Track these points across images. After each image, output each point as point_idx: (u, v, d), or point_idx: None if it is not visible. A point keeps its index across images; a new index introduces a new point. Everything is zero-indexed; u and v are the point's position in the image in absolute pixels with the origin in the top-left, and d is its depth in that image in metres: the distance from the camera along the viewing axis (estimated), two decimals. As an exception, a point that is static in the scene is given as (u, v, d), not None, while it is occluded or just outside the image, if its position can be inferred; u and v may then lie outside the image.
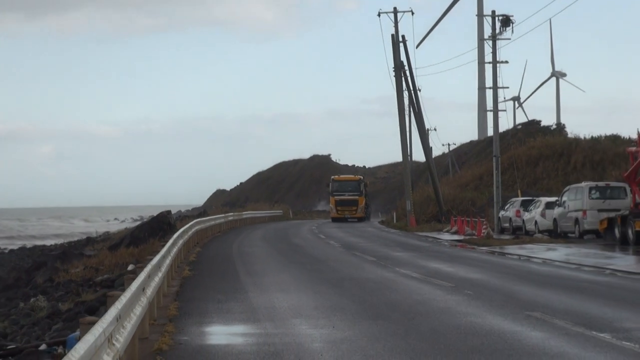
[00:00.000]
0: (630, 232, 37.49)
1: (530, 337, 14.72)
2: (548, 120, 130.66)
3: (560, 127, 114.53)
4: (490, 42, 56.04)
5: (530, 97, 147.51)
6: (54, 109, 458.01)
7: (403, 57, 68.57)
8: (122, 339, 9.67)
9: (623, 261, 30.61)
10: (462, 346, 13.89)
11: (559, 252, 35.00)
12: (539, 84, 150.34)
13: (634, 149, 39.32)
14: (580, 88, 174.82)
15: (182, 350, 13.94)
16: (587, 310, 17.72)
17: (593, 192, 43.28)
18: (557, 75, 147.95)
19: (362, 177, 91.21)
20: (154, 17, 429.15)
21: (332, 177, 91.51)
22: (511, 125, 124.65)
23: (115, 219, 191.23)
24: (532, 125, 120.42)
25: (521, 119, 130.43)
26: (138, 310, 12.20)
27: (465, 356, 13.08)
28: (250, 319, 17.30)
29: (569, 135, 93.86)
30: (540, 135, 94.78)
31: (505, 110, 58.06)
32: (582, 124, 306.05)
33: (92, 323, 8.69)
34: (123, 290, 12.92)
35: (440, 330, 15.47)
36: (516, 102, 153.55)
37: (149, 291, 14.65)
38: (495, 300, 19.78)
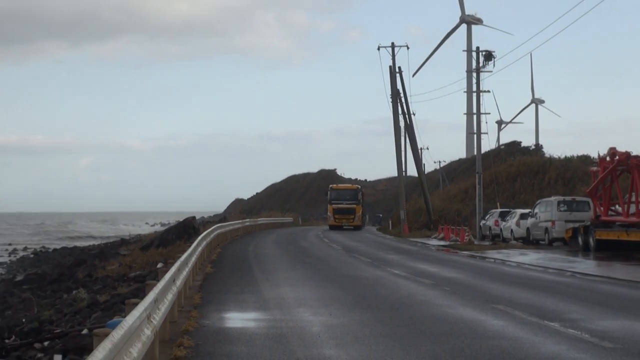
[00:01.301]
0: (591, 240, 38.31)
1: (492, 324, 15.69)
2: (528, 141, 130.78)
3: (538, 148, 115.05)
4: (477, 74, 57.17)
5: (512, 122, 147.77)
6: (94, 125, 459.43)
7: (399, 86, 69.66)
8: (157, 317, 10.68)
9: (583, 265, 31.28)
10: (435, 330, 14.86)
11: (529, 257, 35.61)
12: (520, 109, 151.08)
13: (595, 168, 40.12)
14: (556, 113, 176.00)
15: (205, 331, 14.92)
16: (544, 305, 18.64)
17: (561, 205, 44.07)
18: (537, 101, 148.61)
19: (359, 187, 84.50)
20: (182, 46, 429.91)
21: (331, 185, 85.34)
22: (495, 146, 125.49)
23: (146, 223, 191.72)
24: (514, 146, 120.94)
25: (505, 139, 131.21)
26: (169, 296, 13.21)
27: (436, 338, 14.04)
28: (262, 308, 18.26)
29: (546, 155, 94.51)
30: (520, 154, 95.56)
31: (487, 133, 58.75)
32: (558, 145, 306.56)
33: (136, 304, 9.73)
34: (157, 281, 13.94)
35: (419, 318, 16.44)
36: (500, 125, 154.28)
37: (179, 282, 15.65)
38: (468, 295, 20.73)
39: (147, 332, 9.42)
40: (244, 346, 13.41)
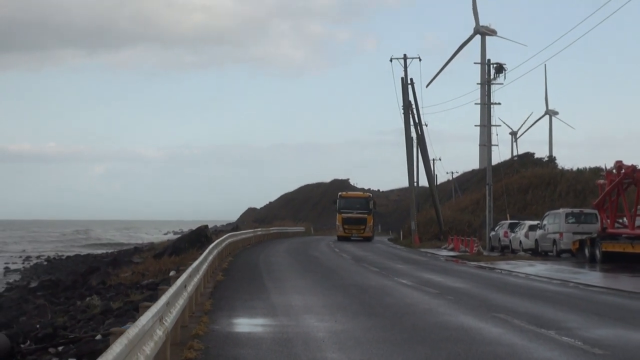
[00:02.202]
0: (597, 252, 38.90)
1: (490, 332, 16.39)
2: (542, 152, 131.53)
3: (551, 160, 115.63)
4: (487, 86, 57.89)
5: (527, 132, 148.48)
6: (109, 133, 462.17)
7: (411, 97, 70.37)
8: (169, 320, 11.44)
9: (587, 276, 31.82)
10: (434, 337, 15.57)
11: (535, 268, 36.23)
12: (534, 121, 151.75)
13: (602, 181, 40.77)
14: (570, 125, 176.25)
15: (214, 335, 15.66)
16: (543, 314, 19.30)
17: (569, 217, 44.69)
18: (550, 113, 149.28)
19: (370, 195, 79.22)
20: (198, 55, 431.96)
21: (340, 193, 79.31)
22: (509, 157, 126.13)
23: (160, 231, 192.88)
24: (527, 157, 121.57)
25: (522, 149, 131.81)
26: (181, 301, 13.98)
27: (435, 344, 14.75)
28: (270, 314, 18.99)
29: (559, 167, 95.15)
30: (533, 166, 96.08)
31: (497, 145, 59.49)
32: (572, 157, 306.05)
33: (149, 307, 10.49)
34: (170, 286, 14.70)
35: (420, 325, 17.14)
36: (514, 136, 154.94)
37: (190, 287, 16.42)
38: (470, 304, 21.42)
39: (159, 332, 10.18)
40: (251, 349, 14.14)
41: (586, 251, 40.05)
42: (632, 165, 37.25)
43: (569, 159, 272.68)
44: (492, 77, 56.67)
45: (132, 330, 8.01)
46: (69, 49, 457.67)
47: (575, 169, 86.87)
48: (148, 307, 10.34)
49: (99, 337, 21.39)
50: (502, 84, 57.10)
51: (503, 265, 38.62)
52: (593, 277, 32.05)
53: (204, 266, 23.29)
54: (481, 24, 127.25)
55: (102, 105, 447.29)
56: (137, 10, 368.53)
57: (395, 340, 15.21)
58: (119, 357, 6.94)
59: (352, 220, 73.33)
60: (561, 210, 46.30)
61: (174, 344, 13.63)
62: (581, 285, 27.93)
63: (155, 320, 9.98)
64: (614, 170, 38.59)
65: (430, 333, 16.02)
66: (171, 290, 12.52)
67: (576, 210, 46.67)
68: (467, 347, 14.35)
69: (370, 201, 75.14)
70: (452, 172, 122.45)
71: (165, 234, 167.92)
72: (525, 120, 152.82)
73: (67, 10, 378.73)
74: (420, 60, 71.64)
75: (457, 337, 15.48)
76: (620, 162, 38.22)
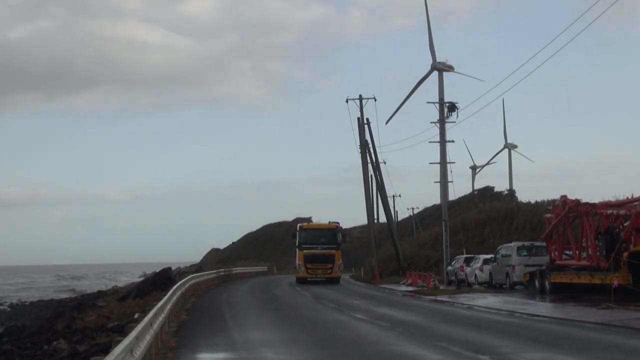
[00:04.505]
0: (546, 283, 40.93)
1: (430, 358, 18.20)
2: (503, 186, 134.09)
3: (511, 193, 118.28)
4: (441, 125, 60.10)
5: (488, 166, 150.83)
6: (70, 177, 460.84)
7: (368, 137, 72.42)
8: (138, 352, 13.19)
9: (534, 307, 33.65)
10: (379, 364, 17.43)
11: (487, 300, 38.01)
12: (493, 155, 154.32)
13: (549, 215, 42.98)
14: (529, 158, 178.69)
15: (179, 369, 17.42)
16: (482, 341, 21.18)
17: (521, 250, 46.71)
18: (509, 146, 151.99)
19: (338, 224, 64.52)
20: (157, 96, 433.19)
21: (300, 225, 66.71)
22: (469, 191, 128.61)
23: (133, 275, 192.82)
24: (487, 191, 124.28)
25: (481, 183, 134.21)
26: (148, 337, 15.70)
27: (379, 370, 16.60)
28: (230, 349, 20.68)
29: (519, 200, 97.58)
30: (491, 199, 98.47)
31: (452, 182, 61.61)
32: (532, 189, 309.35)
33: (121, 341, 12.23)
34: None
35: (368, 355, 18.92)
36: (473, 170, 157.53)
37: (155, 325, 18.14)
38: (417, 335, 23.25)
39: (131, 362, 11.93)
40: (212, 379, 15.88)
41: (536, 283, 42.04)
42: (576, 199, 39.40)
43: (529, 192, 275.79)
44: (445, 115, 58.87)
45: (109, 358, 9.75)
46: (29, 93, 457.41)
47: (533, 202, 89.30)
48: (120, 341, 12.07)
49: None
50: (454, 122, 59.36)
51: (456, 298, 40.39)
52: (539, 307, 33.95)
53: (168, 306, 24.95)
54: (438, 60, 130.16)
55: (64, 148, 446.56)
56: (96, 51, 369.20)
57: (344, 368, 17.00)
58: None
59: (316, 258, 61.84)
60: (513, 243, 48.39)
61: (142, 377, 15.32)
62: (525, 315, 29.85)
63: (127, 352, 11.72)
64: (560, 205, 40.77)
65: (375, 361, 17.82)
66: (139, 327, 14.26)
67: (527, 243, 48.74)
68: (407, 372, 16.17)
69: (338, 233, 63.08)
70: (413, 208, 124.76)
71: (140, 277, 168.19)
72: (490, 160, 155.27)
73: (24, 53, 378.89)
74: (375, 100, 73.48)
75: (400, 364, 17.30)
76: (565, 196, 40.43)
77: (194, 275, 53.58)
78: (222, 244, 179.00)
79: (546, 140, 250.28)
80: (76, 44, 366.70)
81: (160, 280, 53.06)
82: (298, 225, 66.56)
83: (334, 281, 61.57)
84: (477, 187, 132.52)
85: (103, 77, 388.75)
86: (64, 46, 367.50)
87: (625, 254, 34.64)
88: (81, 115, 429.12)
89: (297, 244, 63.27)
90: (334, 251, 62.04)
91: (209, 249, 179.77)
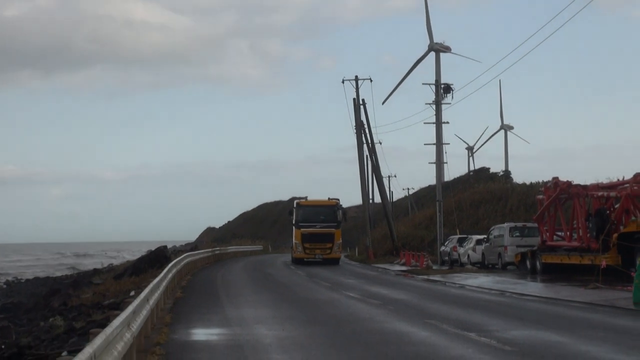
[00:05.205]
0: (538, 263, 41.55)
1: (418, 335, 18.78)
2: (499, 167, 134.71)
3: (506, 174, 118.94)
4: (437, 106, 60.58)
5: (483, 147, 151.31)
6: (66, 156, 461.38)
7: (363, 117, 72.95)
8: (135, 325, 13.71)
9: (524, 287, 34.27)
10: (368, 340, 17.90)
11: (478, 280, 38.64)
12: (489, 136, 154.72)
13: (541, 196, 43.57)
14: (525, 140, 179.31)
15: (174, 343, 17.87)
16: (470, 319, 21.75)
17: (513, 231, 47.32)
18: (506, 128, 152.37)
19: (338, 201, 60.57)
20: (155, 75, 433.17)
21: (297, 201, 62.00)
22: (465, 172, 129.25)
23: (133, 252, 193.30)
24: (482, 172, 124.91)
25: (479, 164, 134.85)
26: (144, 312, 16.23)
27: (369, 346, 17.07)
28: (224, 325, 21.26)
29: (514, 181, 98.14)
30: (486, 181, 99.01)
31: (446, 163, 62.18)
32: (528, 171, 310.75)
33: (119, 314, 12.75)
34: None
35: (359, 331, 19.48)
36: (470, 151, 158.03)
37: (151, 301, 18.69)
38: (407, 313, 23.85)
39: (127, 335, 12.43)
40: (207, 353, 16.43)
41: (527, 263, 42.66)
42: (568, 181, 39.97)
43: (525, 173, 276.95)
44: (440, 97, 59.35)
45: (108, 329, 10.27)
46: (25, 70, 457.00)
47: (528, 183, 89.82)
48: (118, 314, 12.60)
49: (65, 354, 23.09)
50: (449, 103, 59.87)
51: (448, 278, 41.04)
52: (530, 287, 34.58)
53: (164, 283, 25.52)
54: (435, 41, 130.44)
55: (60, 126, 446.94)
56: (94, 30, 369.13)
57: (334, 343, 17.54)
58: (100, 348, 9.20)
59: (314, 237, 58.59)
60: (505, 224, 49.00)
61: (138, 351, 15.83)
62: (515, 295, 30.47)
63: (125, 325, 12.25)
64: (551, 186, 41.34)
65: (366, 337, 18.37)
66: (136, 302, 14.80)
67: (519, 224, 49.36)
68: (395, 348, 16.70)
69: (338, 210, 59.66)
70: (409, 189, 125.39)
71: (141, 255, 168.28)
72: (481, 135, 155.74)
73: (22, 31, 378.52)
74: (371, 81, 74.10)
75: (389, 340, 17.84)
76: (557, 178, 41.00)
77: (190, 253, 54.11)
78: (218, 223, 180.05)
79: (542, 122, 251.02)
80: (74, 22, 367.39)
81: (156, 259, 53.58)
82: (295, 201, 61.95)
83: (333, 262, 58.56)
84: (472, 168, 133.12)
85: (100, 55, 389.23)
86: (62, 24, 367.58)
87: (615, 235, 35.21)
88: (78, 94, 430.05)
89: (293, 222, 59.70)
90: (333, 230, 58.70)
91: (205, 227, 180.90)
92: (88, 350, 8.66)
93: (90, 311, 33.16)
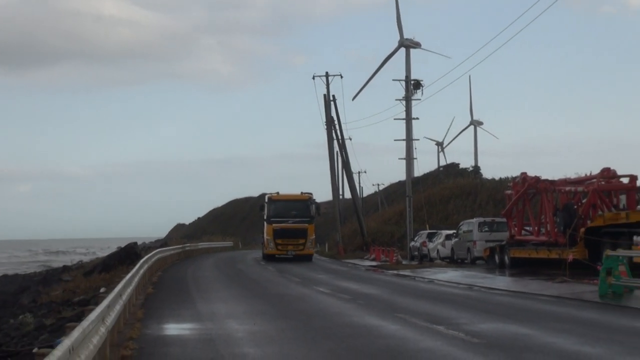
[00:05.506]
0: (506, 258, 42.06)
1: (388, 328, 19.12)
2: (468, 162, 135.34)
3: (476, 169, 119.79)
4: (407, 102, 61.05)
5: (453, 142, 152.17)
6: (34, 152, 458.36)
7: (334, 113, 73.25)
8: (109, 320, 13.92)
9: (492, 281, 34.78)
10: (339, 334, 18.19)
11: (447, 274, 39.08)
12: (459, 131, 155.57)
13: (509, 192, 44.09)
14: (494, 135, 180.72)
15: (147, 338, 18.05)
16: (439, 313, 22.13)
17: (482, 226, 47.79)
18: (475, 123, 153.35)
19: (311, 196, 58.90)
20: (123, 72, 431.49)
21: (268, 195, 59.29)
22: (435, 167, 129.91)
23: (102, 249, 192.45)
24: (452, 168, 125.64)
25: (449, 159, 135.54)
26: (117, 307, 16.45)
27: (338, 339, 17.36)
28: (196, 320, 21.49)
29: (483, 177, 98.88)
30: (455, 176, 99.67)
31: (416, 158, 62.71)
32: (497, 166, 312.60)
33: (93, 309, 12.96)
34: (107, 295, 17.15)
35: (329, 325, 19.77)
36: (440, 147, 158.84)
37: (124, 296, 18.89)
38: (377, 307, 24.18)
39: (102, 329, 12.65)
40: (179, 347, 16.66)
41: (496, 258, 43.17)
42: (536, 176, 40.50)
43: (494, 169, 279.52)
44: (410, 93, 59.81)
45: (85, 323, 10.49)
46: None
47: (497, 178, 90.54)
48: (93, 309, 12.82)
49: (35, 350, 23.24)
50: (419, 99, 60.39)
51: (418, 273, 41.45)
52: (498, 281, 35.08)
53: (136, 279, 25.70)
54: (406, 37, 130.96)
55: (27, 123, 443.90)
56: (61, 25, 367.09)
57: (305, 337, 17.83)
58: (77, 340, 9.43)
59: (287, 232, 57.12)
60: (474, 219, 49.48)
61: (111, 346, 16.05)
62: (484, 289, 30.92)
63: (99, 320, 12.47)
64: (520, 181, 41.85)
65: (336, 331, 18.66)
66: (110, 296, 15.01)
67: (488, 219, 49.88)
68: (365, 341, 17.01)
69: (311, 205, 58.14)
70: (379, 184, 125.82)
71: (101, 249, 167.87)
72: (449, 127, 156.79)
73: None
74: (341, 77, 74.57)
75: (359, 334, 18.15)
76: (525, 173, 41.53)
77: (160, 249, 54.08)
78: (188, 219, 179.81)
79: (511, 117, 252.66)
80: (41, 18, 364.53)
81: (126, 255, 53.45)
82: (266, 196, 59.64)
83: (306, 258, 57.33)
84: (442, 163, 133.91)
85: (68, 52, 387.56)
86: (29, 20, 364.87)
87: (582, 229, 35.75)
88: (46, 90, 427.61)
89: (265, 217, 58.12)
90: (306, 225, 57.09)
91: (175, 224, 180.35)
92: (67, 343, 8.89)
93: (61, 308, 33.15)
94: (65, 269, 72.45)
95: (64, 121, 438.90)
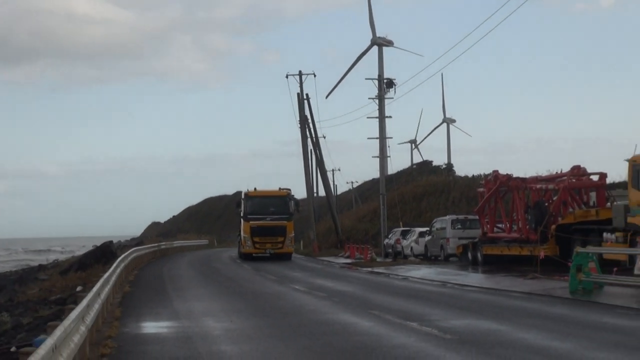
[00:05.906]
0: (479, 255, 42.49)
1: (362, 325, 19.38)
2: (442, 160, 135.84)
3: (449, 167, 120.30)
4: (380, 101, 61.35)
5: (426, 140, 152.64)
6: (9, 151, 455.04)
7: (307, 112, 73.51)
8: (89, 319, 14.12)
9: (465, 278, 35.12)
10: (314, 331, 18.45)
11: (421, 271, 39.41)
12: (432, 129, 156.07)
13: (482, 189, 44.51)
14: (467, 133, 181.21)
15: (125, 336, 18.26)
16: (413, 310, 22.44)
17: (455, 223, 48.23)
18: (448, 121, 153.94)
19: (290, 191, 57.02)
20: (98, 70, 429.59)
21: (245, 192, 56.58)
22: (408, 165, 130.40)
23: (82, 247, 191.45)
24: (426, 165, 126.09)
25: (418, 158, 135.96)
26: (96, 306, 16.64)
27: (314, 336, 17.62)
28: (173, 318, 21.69)
29: (456, 174, 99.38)
30: (429, 174, 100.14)
31: (389, 157, 63.04)
32: (470, 164, 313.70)
33: (73, 309, 13.15)
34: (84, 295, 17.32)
35: (305, 322, 20.03)
36: (413, 144, 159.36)
37: (103, 295, 19.07)
38: (352, 304, 24.46)
39: (82, 328, 12.85)
40: (157, 345, 16.87)
41: (469, 255, 43.58)
42: (508, 174, 40.96)
43: (467, 166, 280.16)
44: (383, 92, 60.11)
45: (66, 322, 10.69)
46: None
47: (470, 176, 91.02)
48: (73, 308, 13.01)
49: (13, 348, 23.05)
50: (392, 98, 60.67)
51: (392, 270, 41.72)
52: (471, 278, 35.44)
53: (113, 278, 25.86)
54: (378, 35, 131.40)
55: (1, 121, 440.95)
56: (35, 24, 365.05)
57: (281, 334, 18.07)
58: (60, 339, 9.63)
59: (265, 230, 54.99)
60: (447, 217, 49.91)
61: (91, 344, 16.23)
62: (457, 286, 31.27)
63: (79, 319, 12.65)
64: (491, 179, 42.28)
65: (312, 328, 18.92)
66: (89, 296, 15.20)
67: (461, 216, 50.30)
68: (340, 338, 17.28)
69: (290, 201, 56.11)
70: (353, 182, 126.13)
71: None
72: (419, 120, 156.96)
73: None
74: (315, 76, 74.80)
75: (334, 331, 18.42)
76: (497, 171, 41.97)
77: (136, 248, 54.20)
78: (163, 218, 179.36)
79: (484, 115, 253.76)
80: (15, 16, 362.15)
81: (102, 254, 53.52)
82: (243, 192, 57.00)
83: (284, 257, 55.66)
84: (416, 161, 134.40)
85: (42, 50, 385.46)
86: (2, 18, 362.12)
87: (553, 226, 36.24)
88: (20, 88, 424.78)
89: (242, 214, 56.02)
90: (285, 222, 55.12)
91: (150, 222, 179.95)
92: (50, 341, 9.09)
93: (37, 307, 33.17)
94: (41, 267, 72.39)
95: (38, 119, 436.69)
